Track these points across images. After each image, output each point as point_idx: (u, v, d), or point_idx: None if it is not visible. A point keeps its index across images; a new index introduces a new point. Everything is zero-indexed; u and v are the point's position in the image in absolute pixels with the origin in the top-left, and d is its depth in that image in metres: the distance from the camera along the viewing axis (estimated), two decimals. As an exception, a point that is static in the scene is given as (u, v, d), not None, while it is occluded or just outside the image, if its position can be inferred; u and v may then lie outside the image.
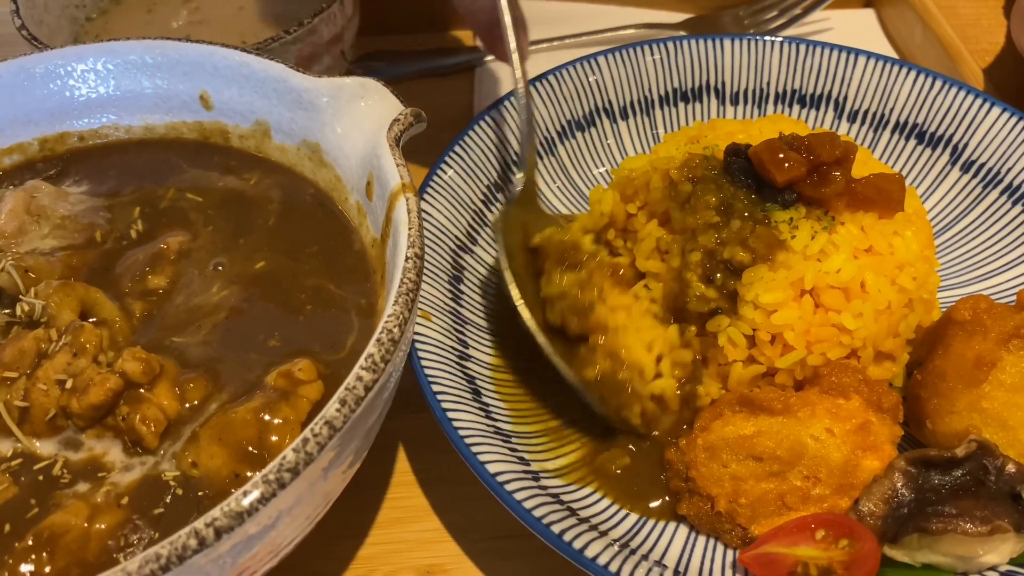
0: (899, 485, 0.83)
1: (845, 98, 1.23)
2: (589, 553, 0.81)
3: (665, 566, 0.85)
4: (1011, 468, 0.83)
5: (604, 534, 0.86)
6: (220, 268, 0.90)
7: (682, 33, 1.47)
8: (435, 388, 0.90)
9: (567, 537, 0.81)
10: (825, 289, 0.92)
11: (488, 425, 0.92)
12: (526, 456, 0.92)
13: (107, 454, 0.77)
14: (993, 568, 0.83)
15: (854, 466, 0.86)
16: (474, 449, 0.86)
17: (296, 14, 1.24)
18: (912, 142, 1.20)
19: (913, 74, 1.20)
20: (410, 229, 0.78)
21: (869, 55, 1.22)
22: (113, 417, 0.77)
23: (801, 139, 0.95)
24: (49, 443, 0.77)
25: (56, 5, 1.23)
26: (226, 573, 0.65)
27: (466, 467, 0.86)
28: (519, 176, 1.11)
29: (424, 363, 0.92)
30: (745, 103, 1.26)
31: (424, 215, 1.05)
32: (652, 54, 1.25)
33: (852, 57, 1.23)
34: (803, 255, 0.93)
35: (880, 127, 1.22)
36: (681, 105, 1.27)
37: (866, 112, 1.23)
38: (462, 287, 1.06)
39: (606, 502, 0.92)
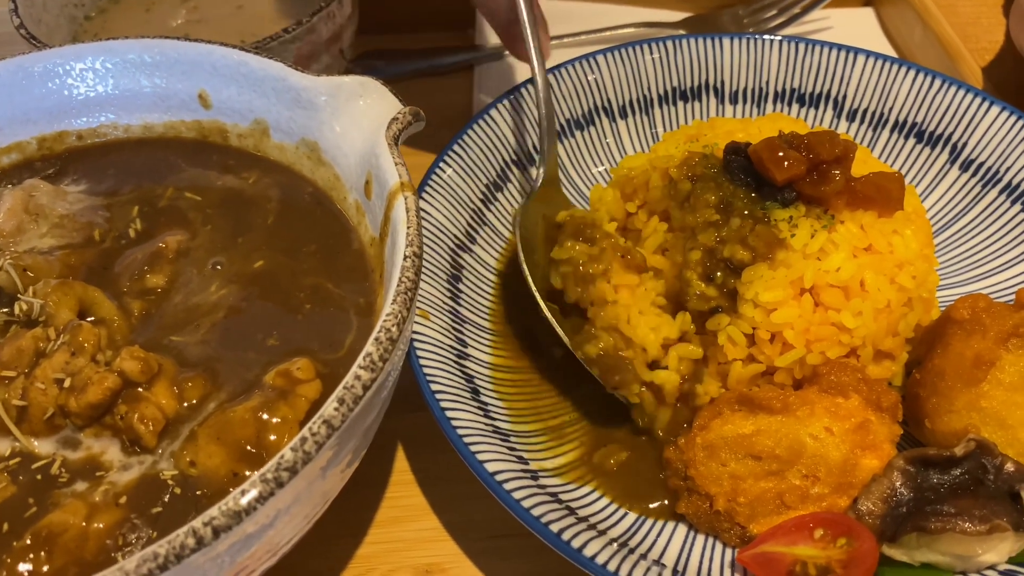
0: (898, 484, 0.83)
1: (844, 97, 1.23)
2: (588, 552, 0.81)
3: (664, 565, 0.85)
4: (1010, 467, 0.83)
5: (603, 533, 0.86)
6: (219, 267, 0.90)
7: (681, 32, 1.47)
8: (434, 387, 0.90)
9: (566, 536, 0.81)
10: (824, 288, 0.92)
11: (487, 424, 0.92)
12: (525, 455, 0.92)
13: (105, 453, 0.77)
14: (992, 567, 0.83)
15: (853, 465, 0.86)
16: (473, 448, 0.86)
17: (295, 13, 1.24)
18: (911, 141, 1.20)
19: (912, 73, 1.20)
20: (409, 228, 0.78)
21: (868, 54, 1.22)
22: (111, 416, 0.77)
23: (800, 138, 0.95)
24: (47, 442, 0.77)
25: (55, 4, 1.23)
26: (224, 572, 0.65)
27: (464, 466, 0.86)
28: (540, 170, 1.12)
29: (423, 362, 0.92)
30: (744, 102, 1.26)
31: (423, 214, 1.05)
32: (651, 53, 1.25)
33: (851, 56, 1.22)
34: (803, 254, 0.93)
35: (879, 126, 1.22)
36: (680, 104, 1.27)
37: (865, 111, 1.23)
38: (461, 286, 1.06)
39: (605, 501, 0.92)
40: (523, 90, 1.18)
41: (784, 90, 1.25)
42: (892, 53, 1.48)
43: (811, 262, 0.92)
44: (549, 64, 1.21)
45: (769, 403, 0.89)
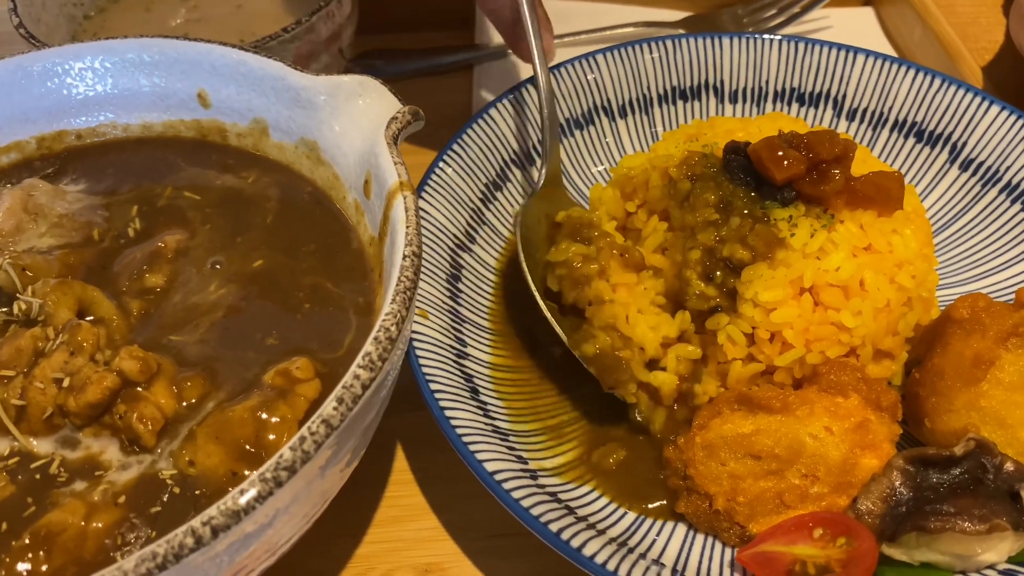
0: (897, 483, 0.83)
1: (844, 96, 1.23)
2: (587, 552, 0.81)
3: (663, 565, 0.85)
4: (1009, 466, 0.83)
5: (602, 533, 0.86)
6: (218, 266, 0.90)
7: (681, 31, 1.47)
8: (433, 386, 0.90)
9: (565, 535, 0.81)
10: (824, 287, 0.92)
11: (486, 423, 0.92)
12: (524, 454, 0.92)
13: (104, 453, 0.77)
14: (991, 566, 0.83)
15: (852, 464, 0.86)
16: (472, 447, 0.86)
17: (294, 12, 1.24)
18: (911, 140, 1.20)
19: (912, 72, 1.20)
20: (408, 227, 0.78)
21: (868, 53, 1.22)
22: (110, 415, 0.77)
23: (800, 137, 0.95)
24: (46, 442, 0.77)
25: (54, 3, 1.22)
26: (223, 572, 0.65)
27: (464, 465, 0.86)
28: (542, 170, 1.11)
29: (422, 361, 0.92)
30: (744, 101, 1.26)
31: (422, 213, 1.05)
32: (651, 52, 1.25)
33: (851, 55, 1.22)
34: (802, 253, 0.92)
35: (879, 125, 1.22)
36: (680, 103, 1.27)
37: (865, 110, 1.23)
38: (460, 285, 1.06)
39: (604, 500, 0.92)
40: (523, 89, 1.18)
41: (784, 89, 1.25)
42: (892, 53, 1.48)
43: (811, 261, 0.92)
44: (550, 64, 1.21)
45: (768, 402, 0.89)
